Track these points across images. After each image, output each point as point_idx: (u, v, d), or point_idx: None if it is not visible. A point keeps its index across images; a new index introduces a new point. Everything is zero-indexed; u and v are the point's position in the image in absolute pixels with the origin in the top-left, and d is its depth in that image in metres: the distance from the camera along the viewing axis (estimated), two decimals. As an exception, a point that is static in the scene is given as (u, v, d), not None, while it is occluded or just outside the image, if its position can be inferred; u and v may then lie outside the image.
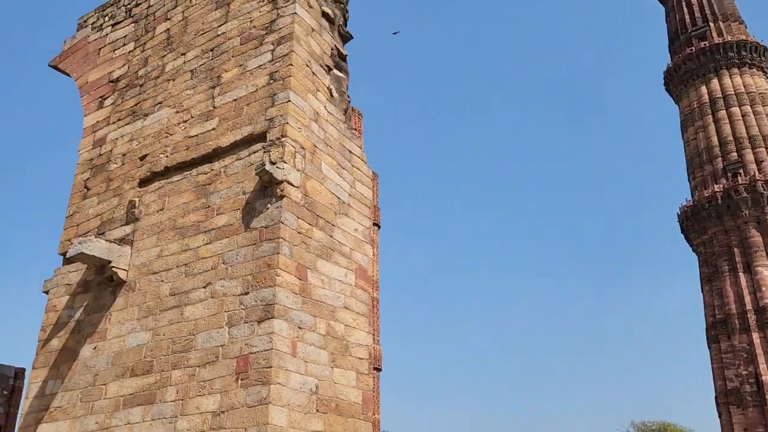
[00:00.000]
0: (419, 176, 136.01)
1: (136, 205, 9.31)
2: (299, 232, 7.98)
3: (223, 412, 7.10)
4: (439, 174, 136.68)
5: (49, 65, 11.85)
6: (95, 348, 8.66)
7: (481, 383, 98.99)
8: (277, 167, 7.90)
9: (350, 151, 9.48)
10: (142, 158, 9.63)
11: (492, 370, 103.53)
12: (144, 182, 9.48)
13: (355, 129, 9.90)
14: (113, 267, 8.79)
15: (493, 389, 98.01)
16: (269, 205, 7.89)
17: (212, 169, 8.76)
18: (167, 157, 9.30)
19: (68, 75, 11.57)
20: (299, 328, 7.57)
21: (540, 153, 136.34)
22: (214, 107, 9.13)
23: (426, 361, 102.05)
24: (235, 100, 8.92)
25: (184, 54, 9.94)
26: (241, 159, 8.53)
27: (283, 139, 8.12)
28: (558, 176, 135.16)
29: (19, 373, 12.12)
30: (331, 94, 9.34)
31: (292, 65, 8.49)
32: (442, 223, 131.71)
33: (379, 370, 8.62)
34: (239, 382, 7.14)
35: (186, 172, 9.03)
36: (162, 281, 8.45)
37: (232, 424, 6.97)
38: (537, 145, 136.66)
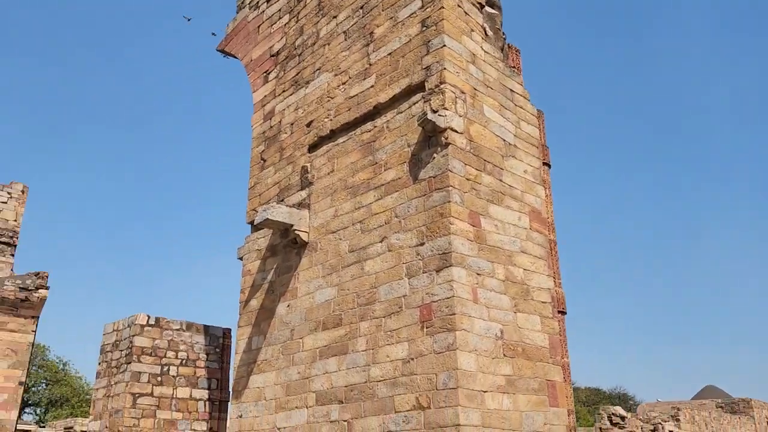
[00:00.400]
0: (587, 110, 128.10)
1: (309, 170, 9.76)
2: (468, 179, 7.83)
3: (412, 359, 7.30)
4: (608, 106, 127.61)
5: (216, 50, 12.71)
6: (288, 306, 9.33)
7: (676, 321, 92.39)
8: (439, 115, 7.78)
9: (512, 90, 9.07)
10: (308, 125, 10.04)
11: (685, 308, 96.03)
12: (313, 147, 9.89)
13: (514, 67, 9.43)
14: (295, 230, 9.34)
15: (687, 327, 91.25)
16: (435, 155, 7.83)
17: (375, 126, 8.88)
18: (331, 120, 9.59)
19: (234, 57, 12.34)
20: (478, 274, 7.49)
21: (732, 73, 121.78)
22: (370, 64, 9.19)
23: (612, 304, 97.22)
24: (390, 53, 8.89)
25: (335, 17, 10.10)
26: (401, 112, 8.53)
27: (442, 86, 7.96)
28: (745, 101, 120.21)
29: (227, 333, 13.55)
30: (486, 33, 8.96)
31: (443, 8, 8.24)
32: (617, 157, 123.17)
33: (563, 313, 8.31)
34: (425, 330, 7.27)
35: (350, 133, 9.26)
36: (340, 239, 8.82)
37: (422, 370, 7.14)
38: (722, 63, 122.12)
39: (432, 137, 7.92)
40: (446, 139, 7.76)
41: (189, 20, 10.44)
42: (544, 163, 9.16)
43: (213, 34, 10.71)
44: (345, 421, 7.87)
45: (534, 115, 9.33)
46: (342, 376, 8.10)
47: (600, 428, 22.80)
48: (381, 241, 8.19)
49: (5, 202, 22.09)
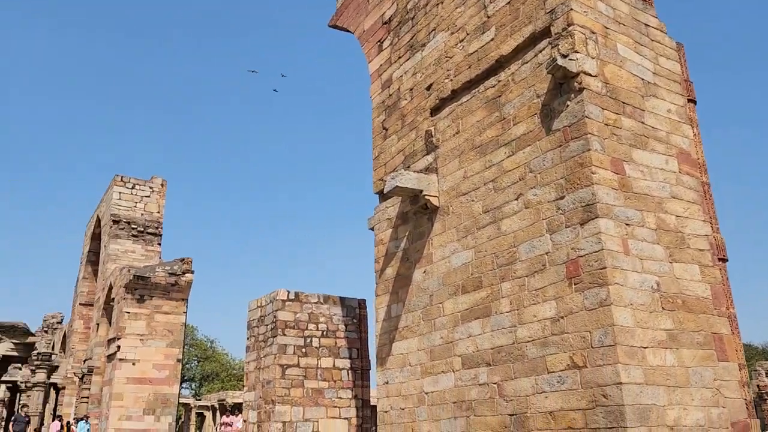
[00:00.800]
0: (731, 41, 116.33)
1: (433, 133, 9.61)
2: (606, 124, 7.33)
3: (561, 318, 7.01)
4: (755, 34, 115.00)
5: (328, 26, 12.80)
6: (425, 272, 9.31)
7: None
8: (570, 59, 7.31)
9: (646, 24, 8.34)
10: (428, 88, 9.86)
11: None
12: (435, 110, 9.71)
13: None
14: (425, 195, 9.26)
15: None
16: (568, 102, 7.38)
17: (499, 81, 8.53)
18: (451, 80, 9.35)
19: (347, 30, 12.36)
20: (626, 224, 7.02)
21: None
22: (488, 17, 8.82)
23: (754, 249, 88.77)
24: (509, 2, 8.47)
25: (446, -27, 9.77)
26: (527, 62, 8.12)
27: (570, 28, 7.46)
28: None
29: (362, 303, 13.92)
30: (613, -34, 8.27)
31: (565, -56, 7.68)
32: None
33: (724, 260, 7.62)
34: (573, 286, 6.94)
35: (473, 91, 8.97)
36: (473, 201, 8.62)
37: (574, 328, 6.84)
38: None
39: (563, 84, 7.47)
40: (579, 84, 7.28)
41: (254, 72, 10.96)
42: (689, 100, 8.38)
43: (282, 75, 11.09)
44: (494, 383, 7.76)
45: (673, 49, 8.54)
46: (487, 338, 7.98)
47: (758, 386, 21.16)
48: (516, 199, 7.91)
49: (148, 196, 23.97)
